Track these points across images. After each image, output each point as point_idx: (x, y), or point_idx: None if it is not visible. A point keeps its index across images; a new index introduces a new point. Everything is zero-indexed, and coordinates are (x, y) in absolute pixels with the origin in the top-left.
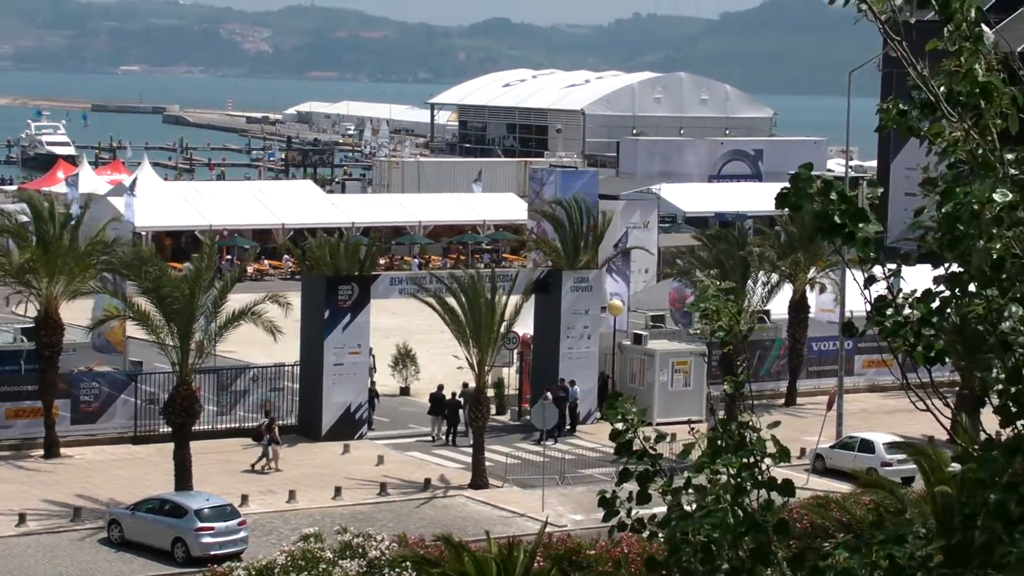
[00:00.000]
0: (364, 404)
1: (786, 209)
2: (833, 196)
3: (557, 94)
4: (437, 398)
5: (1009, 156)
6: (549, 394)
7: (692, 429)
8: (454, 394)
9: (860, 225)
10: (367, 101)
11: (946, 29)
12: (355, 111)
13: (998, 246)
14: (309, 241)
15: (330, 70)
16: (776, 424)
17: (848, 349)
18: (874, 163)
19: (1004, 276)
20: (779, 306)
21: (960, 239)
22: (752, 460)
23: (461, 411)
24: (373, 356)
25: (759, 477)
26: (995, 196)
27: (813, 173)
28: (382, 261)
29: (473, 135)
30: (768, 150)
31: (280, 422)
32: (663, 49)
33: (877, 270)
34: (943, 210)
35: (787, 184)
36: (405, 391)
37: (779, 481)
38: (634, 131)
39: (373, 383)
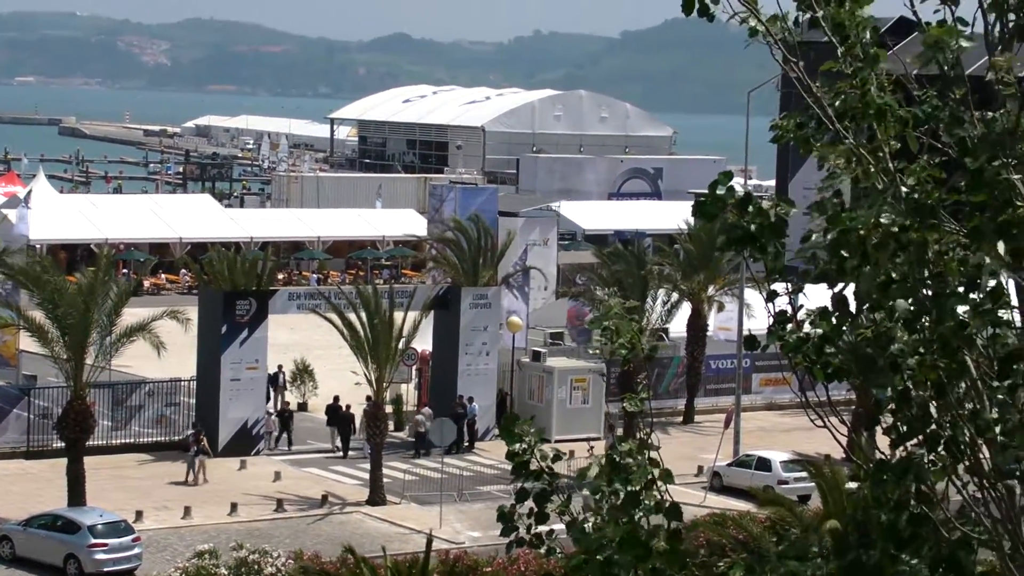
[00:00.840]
0: (261, 419)
1: (692, 219)
2: (750, 208)
3: (457, 110)
4: (332, 409)
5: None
6: (426, 409)
7: (590, 448)
8: (348, 406)
9: (774, 239)
10: (267, 115)
11: (840, 51)
12: (254, 125)
13: (884, 270)
14: (207, 255)
15: (230, 83)
16: (655, 448)
17: (746, 367)
18: (772, 182)
19: (891, 300)
20: (678, 324)
21: (847, 263)
22: (644, 482)
23: (354, 423)
24: (283, 373)
25: (647, 501)
26: (882, 220)
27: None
28: (281, 276)
29: (373, 151)
30: (668, 169)
31: (175, 437)
32: (564, 67)
33: (779, 286)
34: (828, 236)
35: (700, 195)
36: (303, 407)
37: (667, 505)
38: (534, 148)
39: (286, 403)
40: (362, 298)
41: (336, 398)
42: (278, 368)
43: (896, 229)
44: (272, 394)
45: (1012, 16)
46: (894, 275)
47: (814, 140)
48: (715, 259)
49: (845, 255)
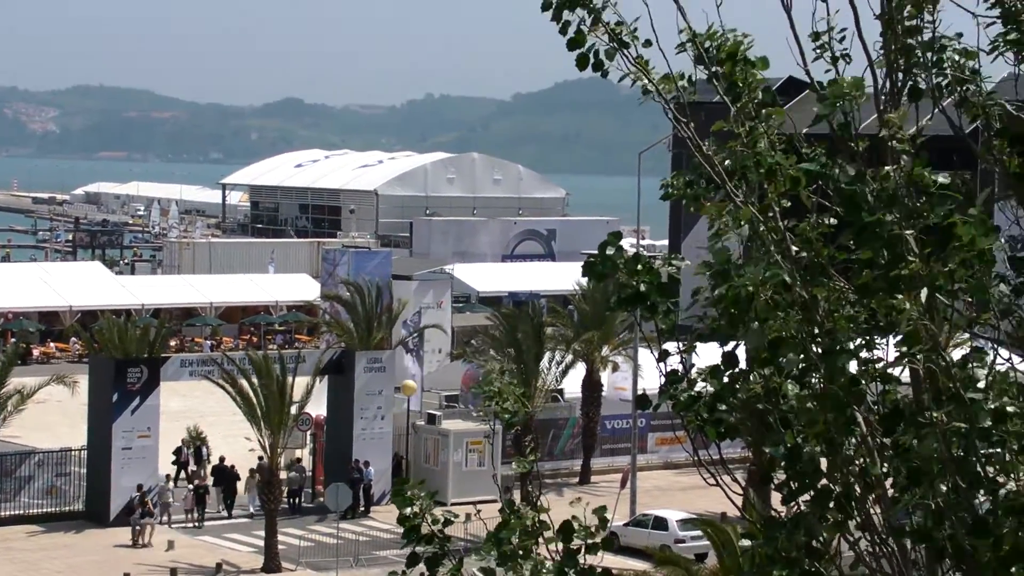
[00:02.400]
0: (155, 488)
1: (585, 280)
2: (639, 267)
3: (350, 174)
4: (219, 469)
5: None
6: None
7: (477, 512)
8: (232, 465)
9: (664, 298)
10: (158, 181)
11: (732, 110)
12: (145, 192)
13: (773, 327)
14: (97, 323)
15: (120, 150)
16: (543, 509)
17: (641, 427)
18: (665, 242)
19: (780, 357)
20: (573, 385)
21: (736, 321)
22: (530, 543)
23: (239, 482)
24: (200, 445)
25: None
26: (769, 276)
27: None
28: (173, 343)
29: (265, 215)
30: (561, 230)
31: (67, 508)
32: (456, 129)
33: (671, 345)
34: (716, 293)
35: (591, 255)
36: (196, 474)
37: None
38: (427, 211)
39: (202, 477)
40: (254, 364)
41: (222, 459)
42: (182, 444)
43: (783, 286)
44: (187, 467)
45: (900, 75)
46: (783, 332)
47: (703, 199)
48: (608, 319)
49: (734, 312)
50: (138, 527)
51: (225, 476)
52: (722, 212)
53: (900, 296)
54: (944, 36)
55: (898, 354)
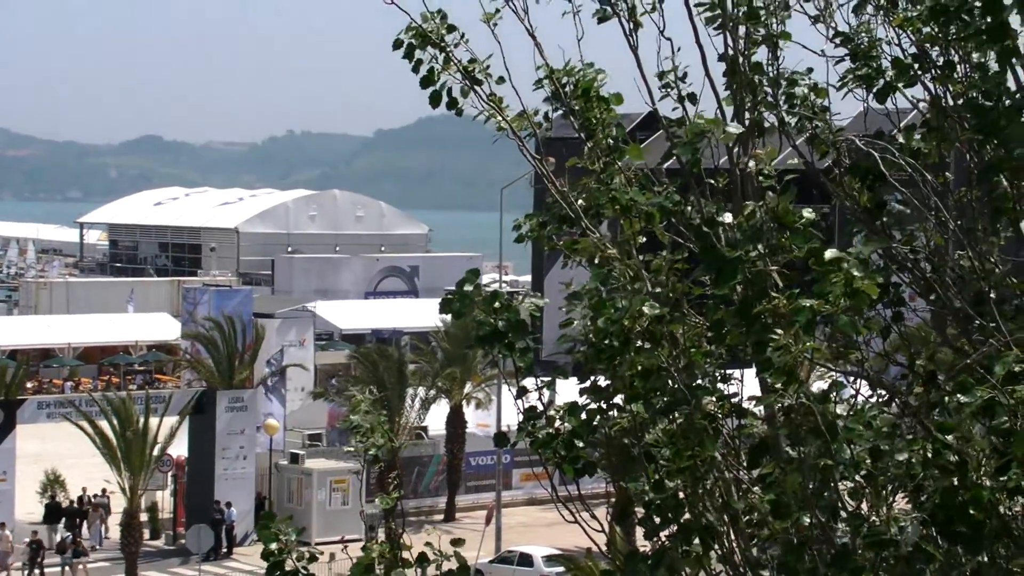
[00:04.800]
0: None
1: (447, 317)
2: (496, 305)
3: (211, 212)
4: (52, 507)
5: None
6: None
7: (345, 547)
8: (72, 501)
9: (521, 335)
10: (14, 220)
11: (586, 147)
12: (2, 231)
13: (644, 359)
14: None
15: None
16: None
17: (505, 463)
18: (528, 278)
19: (650, 388)
20: (437, 422)
21: (607, 352)
22: None
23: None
24: (92, 505)
25: None
26: (644, 309)
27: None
28: (30, 385)
29: (124, 254)
30: (424, 266)
31: None
32: (318, 166)
33: (528, 382)
34: (595, 324)
35: (449, 292)
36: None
37: None
38: (289, 249)
39: (78, 543)
40: (113, 405)
41: (52, 496)
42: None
43: (657, 319)
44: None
45: (747, 114)
46: (654, 364)
47: (555, 238)
48: (470, 356)
49: (608, 344)
50: (70, 567)
51: (61, 513)
52: (577, 249)
53: (778, 332)
54: (796, 72)
55: (769, 389)
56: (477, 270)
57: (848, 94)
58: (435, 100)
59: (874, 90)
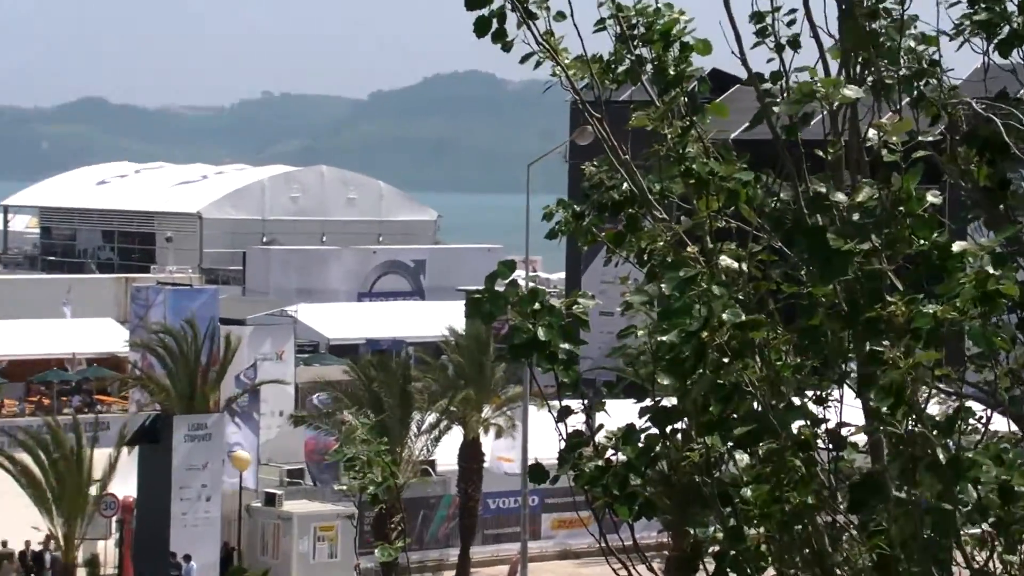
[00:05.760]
0: None
1: (460, 325)
2: (538, 306)
3: (167, 193)
4: None
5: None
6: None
7: None
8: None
9: (568, 343)
10: None
11: (659, 102)
12: None
13: (723, 376)
14: None
15: None
16: None
17: (533, 506)
18: (562, 275)
19: (728, 414)
20: (447, 455)
21: (679, 368)
22: None
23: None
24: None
25: None
26: (725, 316)
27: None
28: None
29: (60, 246)
30: (432, 261)
31: None
32: (301, 137)
33: (573, 402)
34: (665, 338)
35: (474, 292)
36: None
37: None
38: (265, 239)
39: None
40: (41, 433)
41: None
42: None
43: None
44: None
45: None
46: (738, 381)
47: (596, 230)
48: (488, 371)
49: (681, 358)
50: None
51: None
52: (651, 239)
53: (886, 343)
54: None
55: (873, 413)
56: (512, 262)
57: (964, 44)
58: (482, 27)
59: (996, 39)
